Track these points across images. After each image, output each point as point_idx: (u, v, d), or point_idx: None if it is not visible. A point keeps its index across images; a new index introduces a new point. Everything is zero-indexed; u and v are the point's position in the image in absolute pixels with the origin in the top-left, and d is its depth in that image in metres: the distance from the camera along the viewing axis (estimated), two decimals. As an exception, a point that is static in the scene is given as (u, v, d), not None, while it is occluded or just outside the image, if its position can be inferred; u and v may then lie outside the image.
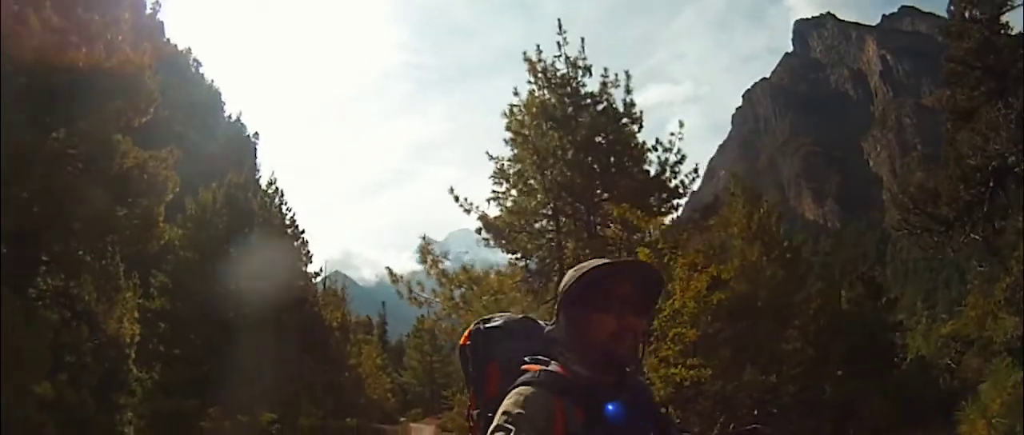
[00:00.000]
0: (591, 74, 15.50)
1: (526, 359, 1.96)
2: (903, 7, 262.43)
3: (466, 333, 2.21)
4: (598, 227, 15.16)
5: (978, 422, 10.45)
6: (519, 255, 15.43)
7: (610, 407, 1.78)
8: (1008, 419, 10.10)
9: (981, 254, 21.18)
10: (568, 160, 14.49)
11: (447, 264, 15.07)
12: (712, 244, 18.67)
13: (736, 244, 20.37)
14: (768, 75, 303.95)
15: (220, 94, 68.95)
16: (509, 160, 15.32)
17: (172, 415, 18.27)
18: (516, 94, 15.36)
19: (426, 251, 14.30)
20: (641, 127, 15.62)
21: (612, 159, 15.13)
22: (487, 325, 2.18)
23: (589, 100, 15.38)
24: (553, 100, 15.18)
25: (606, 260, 2.01)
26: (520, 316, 2.24)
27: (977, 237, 18.60)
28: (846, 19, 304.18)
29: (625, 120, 15.40)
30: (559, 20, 15.46)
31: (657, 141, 15.46)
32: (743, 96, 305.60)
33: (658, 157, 15.21)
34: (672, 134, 15.36)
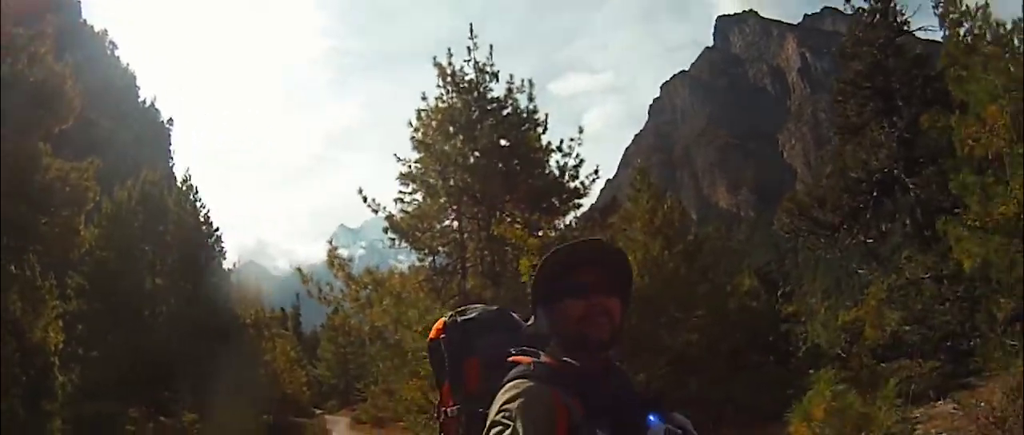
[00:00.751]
0: (498, 79, 15.99)
1: (511, 352, 1.92)
2: (825, 8, 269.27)
3: (438, 326, 2.14)
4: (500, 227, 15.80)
5: (801, 427, 11.24)
6: (425, 253, 15.86)
7: (652, 418, 1.75)
8: (829, 430, 10.90)
9: (863, 257, 22.73)
10: (470, 166, 15.01)
11: (359, 256, 15.42)
12: (614, 240, 19.48)
13: (639, 238, 21.18)
14: (687, 68, 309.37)
15: (135, 78, 67.10)
16: (415, 163, 15.73)
17: (94, 419, 17.99)
18: (424, 99, 15.79)
19: (333, 256, 14.67)
20: (545, 130, 16.12)
21: (515, 163, 15.63)
22: (463, 317, 2.12)
23: (494, 105, 15.90)
24: (459, 105, 15.65)
25: (562, 245, 1.99)
26: (493, 308, 2.20)
27: (862, 240, 20.16)
28: (769, 17, 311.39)
29: (527, 125, 15.93)
30: (471, 25, 15.93)
31: (560, 143, 15.91)
32: (661, 88, 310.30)
33: (557, 161, 15.80)
34: (572, 139, 15.96)
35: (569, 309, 1.87)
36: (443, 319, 2.13)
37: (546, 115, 16.15)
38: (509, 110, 15.98)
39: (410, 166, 15.76)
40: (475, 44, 15.74)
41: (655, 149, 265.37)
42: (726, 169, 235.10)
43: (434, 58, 15.87)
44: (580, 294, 1.87)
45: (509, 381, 1.77)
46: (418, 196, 15.82)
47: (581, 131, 16.29)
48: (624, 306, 1.93)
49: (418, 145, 15.53)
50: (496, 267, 14.44)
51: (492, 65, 15.96)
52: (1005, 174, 11.64)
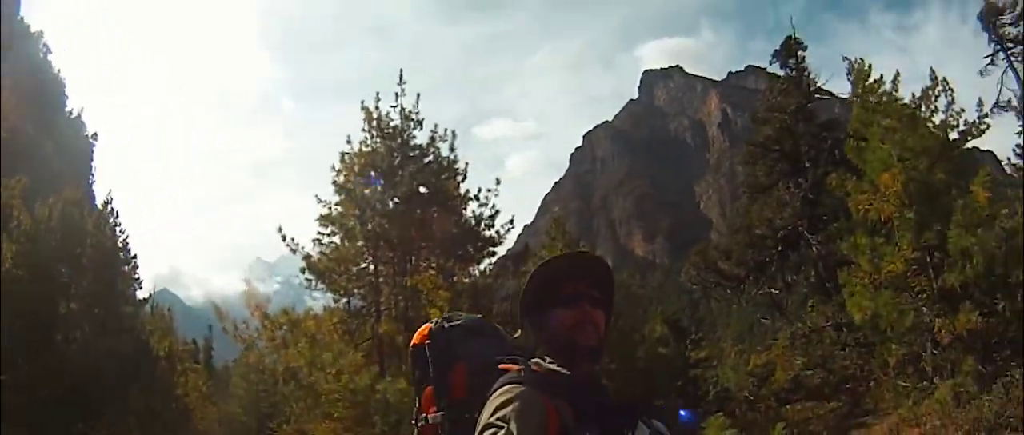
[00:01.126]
0: (421, 127, 16.52)
1: (498, 359, 1.95)
2: (749, 66, 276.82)
3: (423, 331, 2.12)
4: (415, 273, 15.98)
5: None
6: (340, 295, 16.07)
7: (682, 414, 1.87)
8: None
9: (768, 307, 23.94)
10: (388, 211, 15.41)
11: (274, 291, 15.49)
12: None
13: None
14: (611, 119, 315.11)
15: (65, 85, 64.52)
16: (335, 204, 15.97)
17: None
18: (349, 142, 16.10)
19: (251, 296, 14.77)
20: (464, 178, 16.61)
21: (433, 210, 16.05)
22: (450, 323, 2.10)
23: (417, 152, 16.36)
24: (382, 151, 16.03)
25: (553, 257, 2.08)
26: (476, 316, 2.20)
27: (768, 291, 21.36)
28: (694, 73, 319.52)
29: (447, 174, 16.42)
30: (401, 71, 16.50)
31: (478, 192, 16.42)
32: (584, 137, 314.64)
33: (473, 212, 16.27)
34: (489, 190, 16.43)
35: (561, 318, 1.94)
36: (429, 324, 2.12)
37: (466, 164, 16.62)
38: (431, 158, 16.43)
39: (330, 208, 16.00)
40: (403, 90, 16.25)
41: (574, 196, 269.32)
42: (643, 218, 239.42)
43: (362, 102, 16.27)
44: (570, 304, 1.94)
45: (501, 386, 1.81)
46: (336, 239, 16.04)
47: (498, 182, 16.69)
48: (608, 318, 2.03)
49: (339, 189, 15.83)
50: (409, 312, 14.64)
51: (417, 112, 16.46)
52: (894, 236, 12.86)
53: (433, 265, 15.30)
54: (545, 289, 1.99)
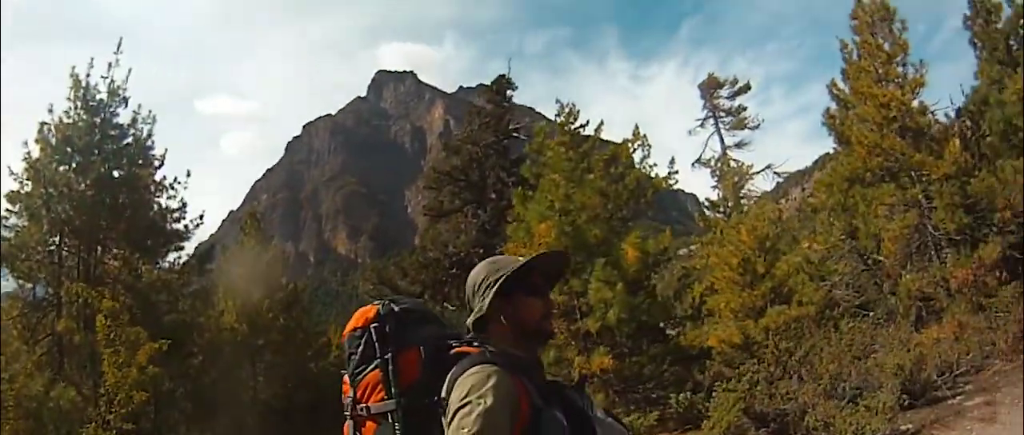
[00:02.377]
0: (127, 105, 15.71)
1: (452, 344, 1.95)
2: (480, 84, 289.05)
3: (368, 314, 2.00)
4: (101, 265, 15.05)
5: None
6: (23, 282, 15.09)
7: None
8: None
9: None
10: (77, 195, 14.55)
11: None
12: (216, 283, 19.37)
13: (239, 285, 21.24)
14: (334, 112, 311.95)
15: None
16: (24, 182, 14.87)
17: None
18: (50, 112, 15.00)
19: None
20: (161, 165, 16.11)
21: (122, 198, 15.32)
22: (400, 306, 2.01)
23: (117, 131, 15.56)
24: (83, 126, 15.07)
25: (538, 253, 2.10)
26: (418, 300, 2.21)
27: (445, 307, 22.42)
28: (427, 82, 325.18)
29: (143, 160, 15.82)
30: (120, 38, 15.60)
31: (171, 185, 16.00)
32: (304, 127, 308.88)
33: (160, 204, 15.88)
34: (180, 182, 16.15)
35: (532, 306, 1.99)
36: (376, 306, 2.01)
37: (165, 150, 16.21)
38: (130, 140, 15.69)
39: (22, 184, 14.87)
40: (118, 60, 15.46)
41: (284, 186, 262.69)
42: (351, 215, 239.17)
43: (73, 68, 15.24)
44: (539, 293, 2.02)
45: (470, 366, 1.80)
46: (23, 220, 14.97)
47: (189, 175, 16.43)
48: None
49: (29, 169, 14.75)
50: (89, 309, 13.81)
51: (126, 88, 15.66)
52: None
53: (119, 257, 14.30)
54: (526, 275, 2.00)
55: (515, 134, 22.83)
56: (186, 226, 16.23)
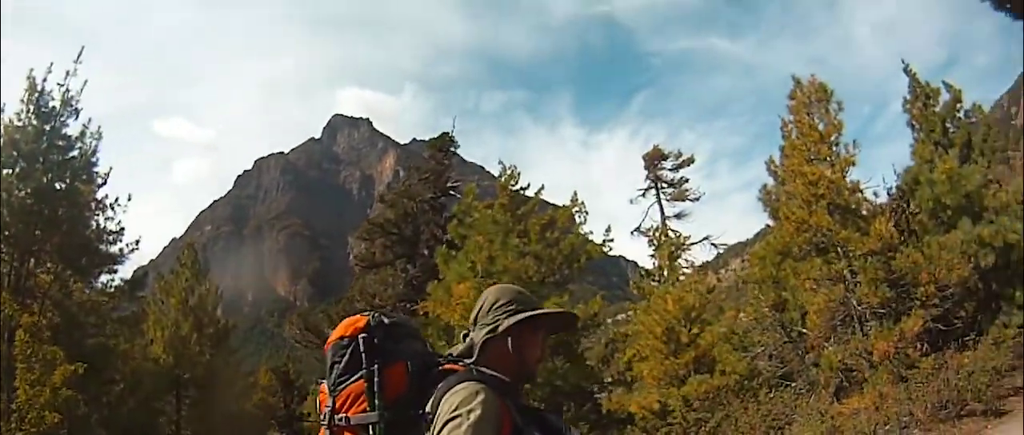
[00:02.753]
0: (78, 117, 15.47)
1: (439, 361, 2.01)
2: (433, 138, 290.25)
3: (357, 323, 2.00)
4: (32, 277, 14.70)
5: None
6: None
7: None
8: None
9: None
10: (16, 203, 14.30)
11: None
12: (146, 312, 19.04)
13: (171, 315, 20.91)
14: (286, 151, 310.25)
15: None
16: None
17: None
18: (1, 111, 14.76)
19: None
20: (104, 183, 15.87)
21: (60, 211, 15.02)
22: (390, 320, 2.02)
23: (64, 142, 15.29)
24: (32, 129, 14.81)
25: (564, 309, 2.33)
26: (405, 315, 2.32)
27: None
28: (381, 130, 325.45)
29: (85, 176, 15.58)
30: (82, 48, 15.32)
31: (111, 205, 15.79)
32: (255, 162, 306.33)
33: (98, 223, 15.65)
34: (120, 205, 15.97)
35: (537, 346, 2.12)
36: (365, 317, 2.01)
37: (110, 168, 15.96)
38: (76, 153, 15.45)
39: None
40: (76, 69, 15.25)
41: (229, 220, 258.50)
42: (292, 256, 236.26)
43: (31, 71, 15.04)
44: (539, 340, 2.13)
45: (458, 384, 1.85)
46: None
47: (130, 198, 16.19)
48: None
49: None
50: (13, 322, 13.49)
51: (79, 100, 15.41)
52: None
53: (51, 271, 13.95)
54: (542, 318, 2.11)
55: (452, 192, 23.05)
56: (121, 250, 15.95)
